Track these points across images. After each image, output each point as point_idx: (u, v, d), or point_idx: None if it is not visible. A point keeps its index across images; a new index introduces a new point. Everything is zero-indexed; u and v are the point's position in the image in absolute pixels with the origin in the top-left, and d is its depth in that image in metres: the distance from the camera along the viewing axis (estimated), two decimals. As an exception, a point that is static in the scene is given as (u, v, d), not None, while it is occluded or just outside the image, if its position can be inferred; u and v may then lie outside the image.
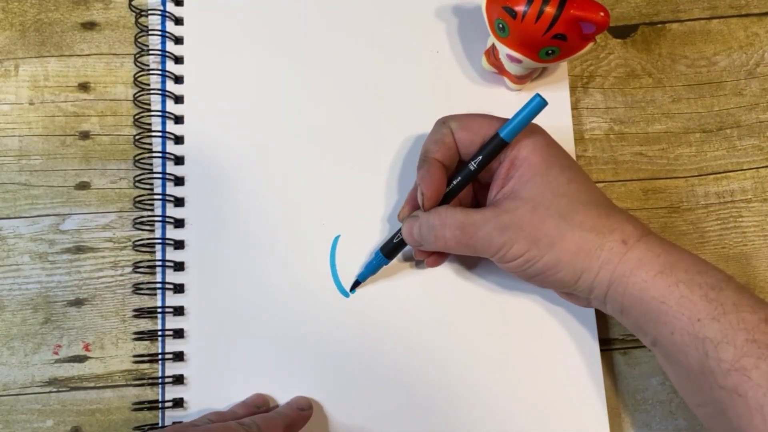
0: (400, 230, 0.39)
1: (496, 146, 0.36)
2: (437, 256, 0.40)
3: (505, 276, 0.42)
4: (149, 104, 0.44)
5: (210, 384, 0.40)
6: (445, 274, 0.42)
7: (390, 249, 0.40)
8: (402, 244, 0.39)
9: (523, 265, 0.35)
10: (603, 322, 0.43)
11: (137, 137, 0.43)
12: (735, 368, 0.30)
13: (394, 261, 0.41)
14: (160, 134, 0.43)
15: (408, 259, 0.42)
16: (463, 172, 0.37)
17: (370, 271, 0.41)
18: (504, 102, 0.45)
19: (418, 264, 0.42)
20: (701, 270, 0.33)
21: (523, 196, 0.35)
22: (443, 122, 0.38)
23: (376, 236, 0.42)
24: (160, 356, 0.40)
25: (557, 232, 0.34)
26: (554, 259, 0.34)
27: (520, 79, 0.43)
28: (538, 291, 0.42)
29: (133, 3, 0.45)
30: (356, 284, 0.41)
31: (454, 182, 0.37)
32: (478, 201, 0.40)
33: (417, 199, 0.38)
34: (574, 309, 0.42)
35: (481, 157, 0.36)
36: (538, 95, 0.34)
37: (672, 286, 0.32)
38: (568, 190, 0.35)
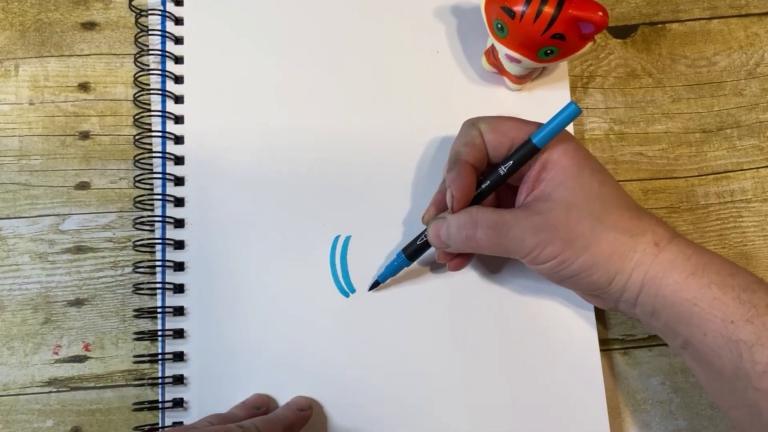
0: (424, 232, 0.39)
1: (527, 152, 0.35)
2: (461, 259, 0.39)
3: (505, 277, 0.42)
4: (149, 104, 0.44)
5: (210, 384, 0.40)
6: (444, 273, 0.42)
7: (413, 251, 0.39)
8: (426, 246, 0.39)
9: (556, 267, 0.35)
10: (603, 322, 0.43)
11: (137, 137, 0.43)
12: None
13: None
14: (160, 134, 0.43)
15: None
16: (492, 176, 0.37)
17: (390, 272, 0.41)
18: (504, 102, 0.45)
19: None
20: (733, 272, 0.33)
21: (555, 198, 0.35)
22: (472, 124, 0.38)
23: (375, 236, 0.42)
24: (160, 356, 0.40)
25: (592, 233, 0.34)
26: (589, 261, 0.34)
27: (520, 79, 0.43)
28: (538, 291, 0.42)
29: (133, 3, 0.45)
30: (376, 284, 0.41)
31: (483, 186, 0.37)
32: (501, 204, 0.40)
33: (443, 202, 0.37)
34: (574, 309, 0.42)
35: (511, 162, 0.36)
36: (572, 102, 0.34)
37: (704, 287, 0.32)
38: (601, 192, 0.35)
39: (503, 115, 0.38)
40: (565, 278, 0.35)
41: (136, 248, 0.42)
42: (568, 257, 0.34)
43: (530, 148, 0.35)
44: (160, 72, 0.44)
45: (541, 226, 0.34)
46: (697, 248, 0.34)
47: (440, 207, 0.38)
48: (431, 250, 0.40)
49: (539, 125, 0.36)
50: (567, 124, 0.34)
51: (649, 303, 0.34)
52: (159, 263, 0.41)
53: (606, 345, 0.43)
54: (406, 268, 0.41)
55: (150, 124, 0.44)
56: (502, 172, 0.36)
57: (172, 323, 0.41)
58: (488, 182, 0.37)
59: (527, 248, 0.35)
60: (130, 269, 0.42)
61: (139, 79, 0.45)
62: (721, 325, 0.32)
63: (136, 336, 0.41)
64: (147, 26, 0.45)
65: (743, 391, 0.31)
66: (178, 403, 0.40)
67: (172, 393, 0.40)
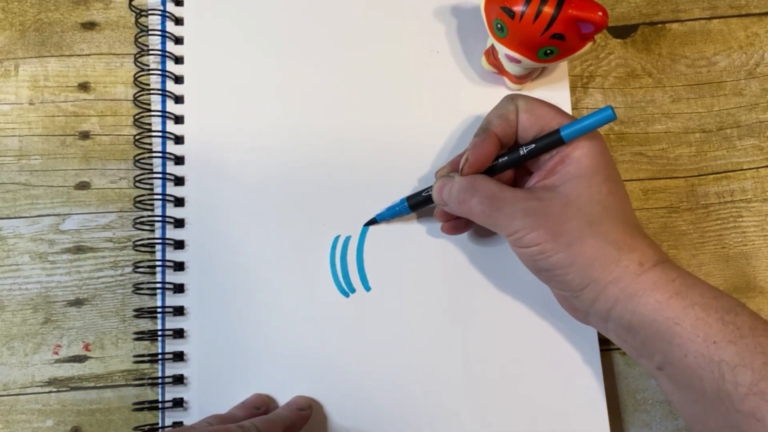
0: (431, 187, 0.39)
1: (552, 142, 0.36)
2: (454, 224, 0.40)
3: (505, 277, 0.42)
4: (149, 104, 0.44)
5: (210, 384, 0.40)
6: (444, 273, 0.42)
7: (416, 201, 0.40)
8: (429, 200, 0.40)
9: (535, 255, 0.35)
10: (603, 322, 0.43)
11: (137, 137, 0.43)
12: (753, 392, 0.29)
13: (397, 261, 0.42)
14: (160, 134, 0.43)
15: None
16: (511, 155, 0.37)
17: (390, 214, 0.42)
18: (504, 102, 0.45)
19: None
20: (717, 295, 0.32)
21: (560, 190, 0.35)
22: (511, 98, 0.38)
23: (375, 236, 0.42)
24: (160, 356, 0.40)
25: (579, 233, 0.34)
26: (567, 260, 0.34)
27: (520, 79, 0.43)
28: (538, 291, 0.42)
29: (133, 3, 0.45)
30: (373, 222, 0.42)
31: (500, 160, 0.37)
32: (516, 184, 0.40)
33: (459, 162, 0.38)
34: (574, 309, 0.42)
35: (533, 146, 0.36)
36: (610, 107, 0.34)
37: (687, 307, 0.32)
38: (604, 200, 0.35)
39: (542, 100, 0.38)
40: (541, 270, 0.35)
41: (136, 248, 0.42)
42: (548, 249, 0.34)
43: (556, 138, 0.35)
44: (160, 72, 0.44)
45: (534, 211, 0.34)
46: (682, 272, 0.33)
47: (456, 167, 0.39)
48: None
49: (573, 119, 0.36)
50: (599, 126, 0.34)
51: (624, 319, 0.33)
52: (159, 263, 0.41)
53: (606, 345, 0.43)
54: (410, 269, 0.41)
55: (150, 124, 0.44)
56: (521, 153, 0.37)
57: (172, 323, 0.41)
58: (505, 158, 0.37)
59: (514, 227, 0.35)
60: (130, 269, 0.42)
61: (139, 79, 0.45)
62: (703, 345, 0.31)
63: (136, 336, 0.41)
64: (147, 26, 0.45)
65: (725, 413, 0.30)
66: (178, 403, 0.40)
67: (172, 393, 0.40)
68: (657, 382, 0.35)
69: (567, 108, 0.45)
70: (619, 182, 0.36)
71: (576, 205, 0.34)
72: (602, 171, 0.35)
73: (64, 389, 0.41)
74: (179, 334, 0.41)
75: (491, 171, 0.37)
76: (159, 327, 0.41)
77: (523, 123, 0.37)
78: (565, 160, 0.36)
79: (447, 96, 0.45)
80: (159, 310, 0.41)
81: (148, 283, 0.42)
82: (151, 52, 0.44)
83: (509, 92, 0.45)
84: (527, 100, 0.37)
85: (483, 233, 0.43)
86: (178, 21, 0.45)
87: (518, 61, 0.40)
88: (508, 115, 0.37)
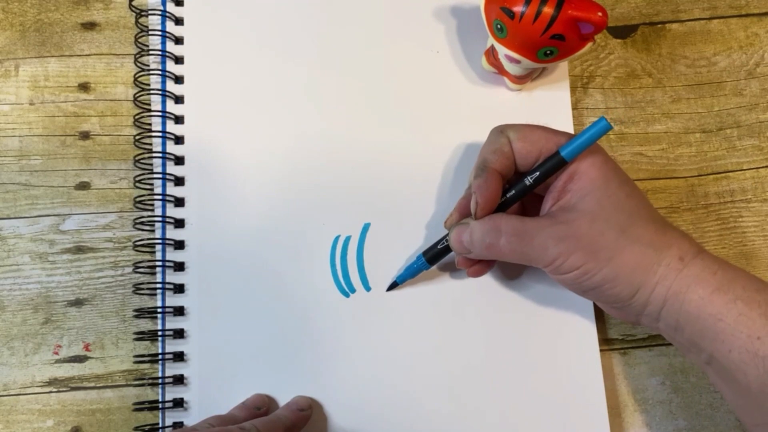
0: (446, 237, 0.39)
1: (555, 164, 0.35)
2: (481, 266, 0.39)
3: (505, 277, 0.42)
4: (149, 104, 0.44)
5: (210, 384, 0.40)
6: (444, 273, 0.42)
7: (433, 254, 0.39)
8: (446, 250, 0.39)
9: (579, 278, 0.34)
10: (603, 322, 0.43)
11: (137, 137, 0.43)
12: None
13: (397, 261, 0.42)
14: (160, 134, 0.43)
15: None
16: (518, 186, 0.37)
17: (410, 274, 0.41)
18: (504, 102, 0.45)
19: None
20: (759, 288, 0.32)
21: (581, 208, 0.35)
22: (501, 131, 0.37)
23: (376, 236, 0.42)
24: (160, 356, 0.40)
25: (616, 245, 0.33)
26: (612, 273, 0.34)
27: (520, 79, 0.43)
28: (539, 292, 0.42)
29: (133, 3, 0.45)
30: (394, 286, 0.41)
31: (508, 195, 0.37)
32: (526, 212, 0.40)
33: (466, 207, 0.37)
34: (575, 309, 0.42)
35: (538, 173, 0.36)
36: (603, 118, 0.34)
37: (730, 303, 0.32)
38: (627, 204, 0.34)
39: (532, 124, 0.37)
40: (588, 290, 0.35)
41: (136, 248, 0.42)
42: (591, 268, 0.34)
43: (558, 160, 0.35)
44: (160, 72, 0.44)
45: (565, 236, 0.34)
46: (722, 263, 0.33)
47: (463, 212, 0.38)
48: (451, 255, 0.39)
49: (569, 136, 0.35)
50: (597, 138, 0.34)
51: (672, 318, 0.33)
52: (159, 263, 0.41)
53: (606, 345, 0.43)
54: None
55: (150, 124, 0.44)
56: (528, 183, 0.36)
57: (172, 323, 0.41)
58: (513, 192, 0.37)
59: (550, 257, 0.34)
60: (130, 269, 0.42)
61: (139, 79, 0.45)
62: (747, 341, 0.31)
63: (136, 336, 0.41)
64: (147, 26, 0.45)
65: None
66: (179, 403, 0.40)
67: (172, 393, 0.40)
68: (708, 377, 0.35)
69: (567, 108, 0.45)
70: (632, 183, 0.36)
71: (602, 218, 0.34)
72: (613, 178, 0.35)
73: (64, 389, 0.41)
74: (179, 334, 0.41)
75: (502, 207, 0.37)
76: (159, 327, 0.41)
77: (520, 152, 0.37)
78: (573, 177, 0.35)
79: (447, 96, 0.45)
80: (159, 310, 0.41)
81: (148, 283, 0.42)
82: (151, 52, 0.44)
83: (509, 92, 0.45)
84: (517, 129, 0.37)
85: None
86: (178, 21, 0.45)
87: (518, 62, 0.40)
88: (502, 148, 0.37)
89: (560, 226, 0.34)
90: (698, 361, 0.35)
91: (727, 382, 0.33)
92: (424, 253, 0.40)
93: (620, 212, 0.34)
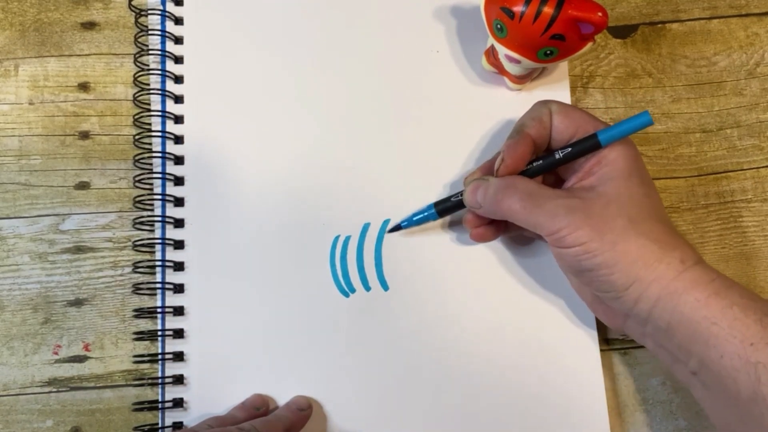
0: (461, 192, 0.39)
1: (590, 146, 0.36)
2: (483, 231, 0.40)
3: (505, 277, 0.42)
4: (149, 104, 0.44)
5: (210, 384, 0.40)
6: (444, 273, 0.42)
7: (445, 207, 0.40)
8: (459, 205, 0.39)
9: (580, 255, 0.34)
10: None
11: (137, 137, 0.43)
12: None
13: (397, 261, 0.42)
14: (160, 134, 0.43)
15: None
16: (547, 158, 0.37)
17: (416, 221, 0.41)
18: (504, 102, 0.44)
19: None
20: (755, 297, 0.32)
21: (600, 191, 0.35)
22: (544, 103, 0.38)
23: (375, 236, 0.42)
24: (160, 356, 0.40)
25: (623, 232, 0.34)
26: (613, 259, 0.33)
27: (520, 79, 0.43)
28: (539, 291, 0.42)
29: (133, 3, 0.45)
30: (397, 228, 0.42)
31: (534, 164, 0.37)
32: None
33: (490, 169, 0.38)
34: (575, 309, 0.42)
35: (570, 150, 0.36)
36: (647, 112, 0.34)
37: (726, 308, 0.32)
38: (643, 201, 0.35)
39: (574, 106, 0.38)
40: (584, 270, 0.35)
41: (136, 248, 0.42)
42: (593, 248, 0.34)
43: (594, 143, 0.36)
44: (160, 72, 0.44)
45: (577, 209, 0.34)
46: (720, 274, 0.33)
47: (486, 171, 0.39)
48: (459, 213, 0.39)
49: (606, 124, 0.36)
50: (636, 130, 0.35)
51: (664, 319, 0.33)
52: (159, 263, 0.41)
53: (606, 345, 0.43)
54: (410, 269, 0.41)
55: (150, 124, 0.44)
56: (558, 156, 0.37)
57: (172, 323, 0.41)
58: (540, 162, 0.37)
59: (557, 225, 0.34)
60: (130, 269, 0.42)
61: (139, 79, 0.44)
62: (740, 347, 0.31)
63: (135, 336, 0.41)
64: (147, 26, 0.45)
65: (759, 417, 0.30)
66: (178, 403, 0.40)
67: (172, 393, 0.40)
68: (691, 391, 0.35)
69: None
70: (653, 185, 0.36)
71: (617, 204, 0.34)
72: (637, 174, 0.36)
73: (63, 389, 0.41)
74: (179, 334, 0.41)
75: (526, 174, 0.37)
76: (159, 327, 0.41)
77: (557, 126, 0.37)
78: (601, 162, 0.36)
79: (447, 96, 0.45)
80: (159, 310, 0.41)
81: (148, 283, 0.42)
82: (150, 51, 0.44)
83: (509, 92, 0.45)
84: (560, 104, 0.38)
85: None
86: (178, 21, 0.45)
87: (518, 62, 0.40)
88: (543, 117, 0.37)
89: (575, 200, 0.35)
90: (684, 373, 0.34)
91: (714, 391, 0.32)
92: (436, 204, 0.40)
93: (634, 206, 0.34)
